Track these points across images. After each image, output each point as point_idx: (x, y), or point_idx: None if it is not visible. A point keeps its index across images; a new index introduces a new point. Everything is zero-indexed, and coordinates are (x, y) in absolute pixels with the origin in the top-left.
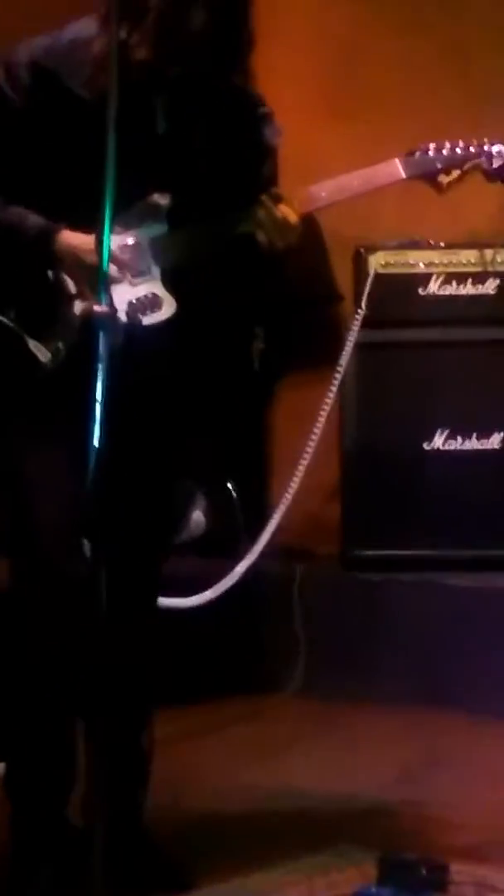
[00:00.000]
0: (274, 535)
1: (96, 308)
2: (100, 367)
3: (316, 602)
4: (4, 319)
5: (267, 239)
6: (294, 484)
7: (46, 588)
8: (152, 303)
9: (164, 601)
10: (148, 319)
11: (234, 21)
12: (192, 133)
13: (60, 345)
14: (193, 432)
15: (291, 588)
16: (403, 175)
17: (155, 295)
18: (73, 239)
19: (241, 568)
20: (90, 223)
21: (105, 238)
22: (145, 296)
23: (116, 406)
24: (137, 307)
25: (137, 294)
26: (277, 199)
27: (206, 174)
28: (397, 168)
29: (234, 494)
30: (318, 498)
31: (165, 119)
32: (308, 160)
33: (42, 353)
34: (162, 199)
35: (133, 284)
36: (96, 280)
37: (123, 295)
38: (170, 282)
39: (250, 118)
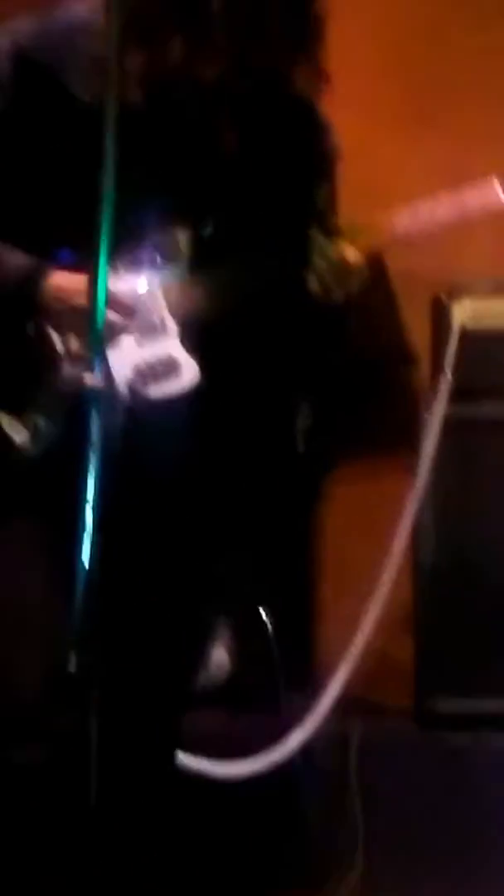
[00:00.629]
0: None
1: (86, 378)
2: (91, 454)
3: (381, 773)
4: None
5: (321, 286)
6: (370, 618)
7: (19, 754)
8: (166, 368)
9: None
10: (159, 390)
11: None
12: (221, 141)
13: (41, 422)
14: (215, 542)
15: (348, 753)
16: None
17: (170, 357)
18: (65, 281)
19: (298, 736)
20: (89, 262)
21: (100, 277)
22: (157, 358)
23: (113, 507)
24: (146, 373)
25: (147, 356)
26: (335, 234)
27: (240, 198)
28: (496, 191)
29: (269, 625)
30: (385, 630)
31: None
32: (376, 181)
33: (17, 433)
34: (182, 234)
35: (141, 344)
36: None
37: (128, 356)
38: (191, 341)
39: (304, 125)
